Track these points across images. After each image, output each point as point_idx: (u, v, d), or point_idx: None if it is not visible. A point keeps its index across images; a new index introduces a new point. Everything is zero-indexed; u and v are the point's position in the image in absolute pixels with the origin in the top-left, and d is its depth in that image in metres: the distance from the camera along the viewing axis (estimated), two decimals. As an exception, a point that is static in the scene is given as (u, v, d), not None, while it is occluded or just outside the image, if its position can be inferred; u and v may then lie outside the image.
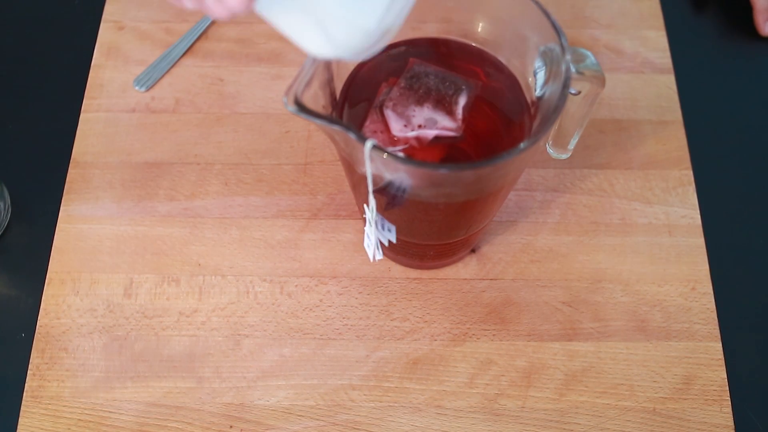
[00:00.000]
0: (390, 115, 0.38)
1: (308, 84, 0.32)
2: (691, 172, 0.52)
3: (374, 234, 0.39)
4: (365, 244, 0.41)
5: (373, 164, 0.33)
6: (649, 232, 0.50)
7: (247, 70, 0.56)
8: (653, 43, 0.57)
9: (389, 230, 0.40)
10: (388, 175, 0.34)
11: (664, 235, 0.50)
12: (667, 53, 0.57)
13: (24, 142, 0.54)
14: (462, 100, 0.38)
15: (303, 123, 0.54)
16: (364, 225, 0.39)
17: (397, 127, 0.37)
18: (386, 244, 0.40)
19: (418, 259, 0.48)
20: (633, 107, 0.55)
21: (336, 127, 0.32)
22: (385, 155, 0.31)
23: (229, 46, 0.57)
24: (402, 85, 0.38)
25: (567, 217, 0.51)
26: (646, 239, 0.50)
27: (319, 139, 0.53)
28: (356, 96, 0.39)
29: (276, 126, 0.54)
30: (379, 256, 0.41)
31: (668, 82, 0.56)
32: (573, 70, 0.34)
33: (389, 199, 0.37)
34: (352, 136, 0.32)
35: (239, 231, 0.50)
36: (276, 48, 0.57)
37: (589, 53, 0.36)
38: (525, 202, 0.51)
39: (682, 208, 0.51)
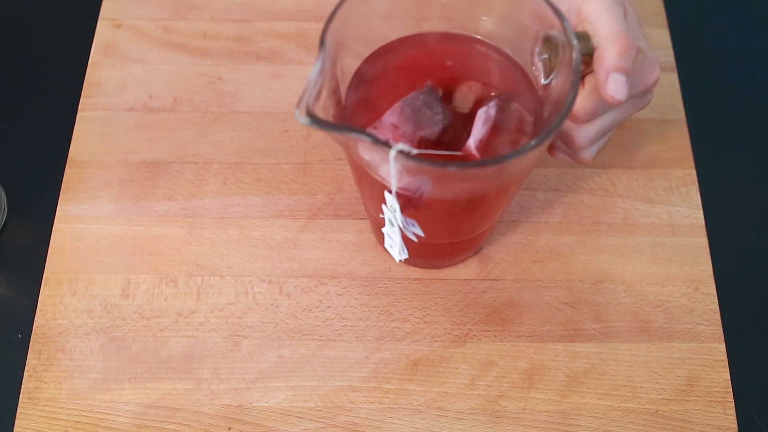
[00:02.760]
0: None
1: (318, 95, 0.32)
2: (694, 172, 0.52)
3: (398, 234, 0.38)
4: (387, 245, 0.41)
5: (397, 169, 0.32)
6: (652, 232, 0.50)
7: (246, 68, 0.56)
8: (656, 41, 0.57)
9: (413, 225, 0.39)
10: (409, 179, 0.34)
11: (667, 235, 0.49)
12: (671, 51, 0.56)
13: (21, 141, 0.54)
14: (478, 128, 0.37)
15: (302, 122, 0.53)
16: (374, 226, 0.38)
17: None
18: (415, 239, 0.40)
19: (424, 258, 0.47)
20: (635, 106, 0.54)
21: (354, 135, 0.31)
22: (409, 160, 0.31)
23: (228, 44, 0.57)
24: (409, 106, 0.38)
25: (569, 217, 0.50)
26: (649, 239, 0.49)
27: (319, 139, 0.53)
28: (361, 100, 0.39)
29: (275, 125, 0.53)
30: (405, 255, 0.40)
31: (671, 81, 0.55)
32: (579, 48, 0.34)
33: (409, 199, 0.37)
34: (372, 141, 0.31)
35: (238, 231, 0.50)
36: (275, 46, 0.57)
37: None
38: (526, 202, 0.51)
39: (685, 208, 0.50)
